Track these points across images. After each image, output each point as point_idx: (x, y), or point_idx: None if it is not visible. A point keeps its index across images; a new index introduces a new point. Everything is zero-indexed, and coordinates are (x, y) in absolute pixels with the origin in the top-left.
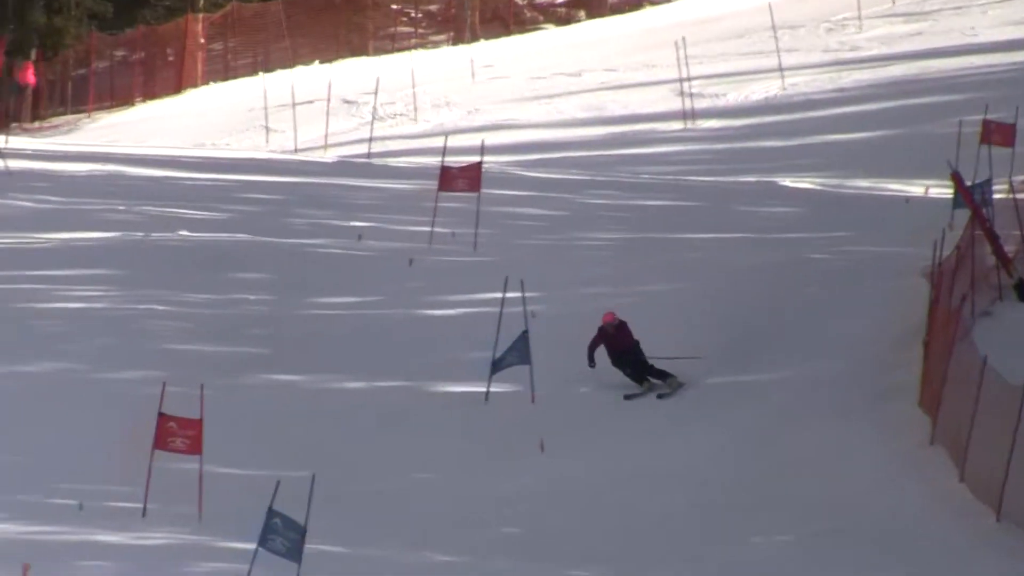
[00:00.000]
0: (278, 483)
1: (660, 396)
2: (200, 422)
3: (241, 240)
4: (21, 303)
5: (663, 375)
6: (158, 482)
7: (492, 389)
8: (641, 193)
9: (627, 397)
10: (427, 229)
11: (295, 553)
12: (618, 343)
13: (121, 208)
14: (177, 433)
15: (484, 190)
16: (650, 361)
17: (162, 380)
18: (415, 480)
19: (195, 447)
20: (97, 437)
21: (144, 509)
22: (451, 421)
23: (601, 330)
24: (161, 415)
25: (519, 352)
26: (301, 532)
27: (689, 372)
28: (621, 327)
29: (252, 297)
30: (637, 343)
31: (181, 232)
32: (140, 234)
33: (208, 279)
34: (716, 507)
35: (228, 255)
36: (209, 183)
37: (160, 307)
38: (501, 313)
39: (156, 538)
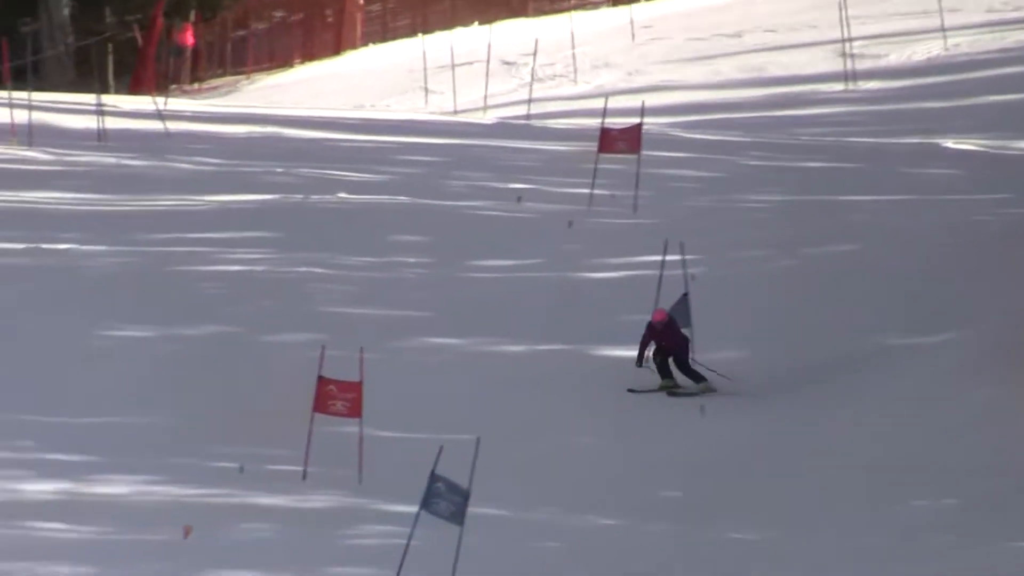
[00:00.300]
0: (441, 447)
1: (671, 394)
2: (360, 385)
3: (400, 203)
4: (180, 266)
5: (697, 377)
6: (318, 445)
7: (652, 353)
8: (801, 155)
9: (631, 391)
10: (586, 191)
11: (458, 516)
12: (666, 340)
13: (280, 170)
14: (337, 396)
15: (644, 152)
16: (691, 364)
17: (322, 343)
18: (575, 443)
19: (355, 410)
20: (257, 400)
21: (304, 472)
22: (611, 385)
23: (650, 327)
24: (321, 378)
25: (680, 315)
26: (465, 495)
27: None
28: (669, 325)
29: (412, 260)
30: (686, 341)
31: (340, 194)
32: (299, 196)
33: (367, 242)
34: (879, 470)
35: (387, 218)
36: (368, 145)
37: (319, 270)
38: (661, 276)
39: (316, 501)
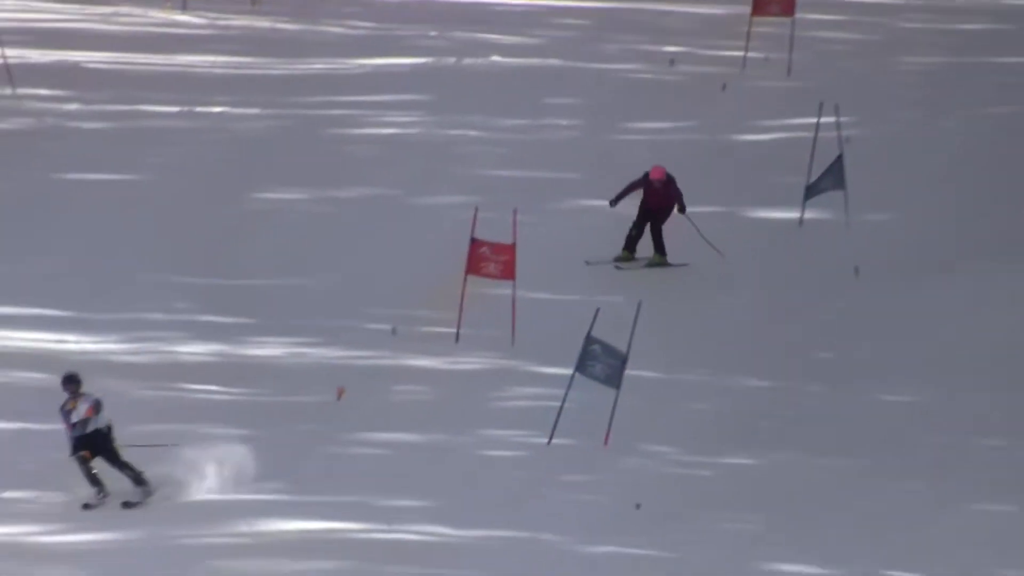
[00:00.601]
0: (598, 309)
1: (618, 267)
2: (513, 247)
3: (552, 65)
4: (334, 129)
5: (660, 248)
6: (471, 307)
7: (806, 215)
8: (958, 16)
9: (588, 263)
10: (740, 54)
11: (615, 379)
12: (658, 200)
13: (432, 34)
14: (490, 258)
15: (798, 14)
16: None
17: (475, 205)
18: (727, 303)
19: (508, 272)
20: (410, 263)
21: (457, 334)
22: (766, 246)
23: (646, 179)
24: (474, 240)
25: (834, 177)
26: (622, 359)
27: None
28: (668, 184)
29: (564, 122)
30: (682, 206)
31: (493, 57)
32: (452, 59)
33: (520, 104)
34: None
35: (540, 80)
36: (521, 8)
37: (472, 132)
38: (815, 138)
39: (469, 363)
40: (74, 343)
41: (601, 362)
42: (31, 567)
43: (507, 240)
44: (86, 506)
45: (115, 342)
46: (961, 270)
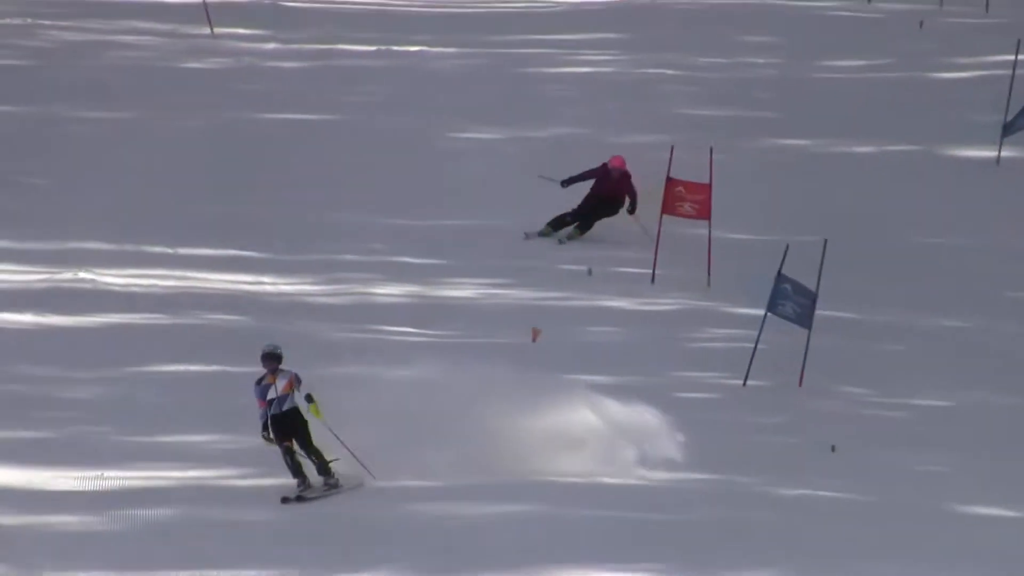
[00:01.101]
0: (787, 247)
1: (543, 234)
2: (709, 187)
3: (750, 3)
4: (528, 68)
5: (584, 228)
6: (666, 247)
7: (1004, 153)
8: None
9: (528, 235)
10: None
11: (805, 318)
12: (611, 189)
13: None
14: (685, 198)
15: None
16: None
17: (670, 144)
18: (919, 243)
19: (704, 211)
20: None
21: (653, 275)
22: (962, 185)
23: (604, 168)
24: (669, 179)
25: None
26: (812, 297)
27: None
28: (624, 177)
29: (760, 61)
30: (633, 205)
31: None
32: None
33: (716, 43)
34: None
35: (737, 18)
36: None
37: (668, 71)
38: (1013, 75)
39: (664, 304)
40: (270, 284)
41: (792, 301)
42: (225, 509)
43: (704, 179)
44: (284, 500)
45: (311, 284)
46: None
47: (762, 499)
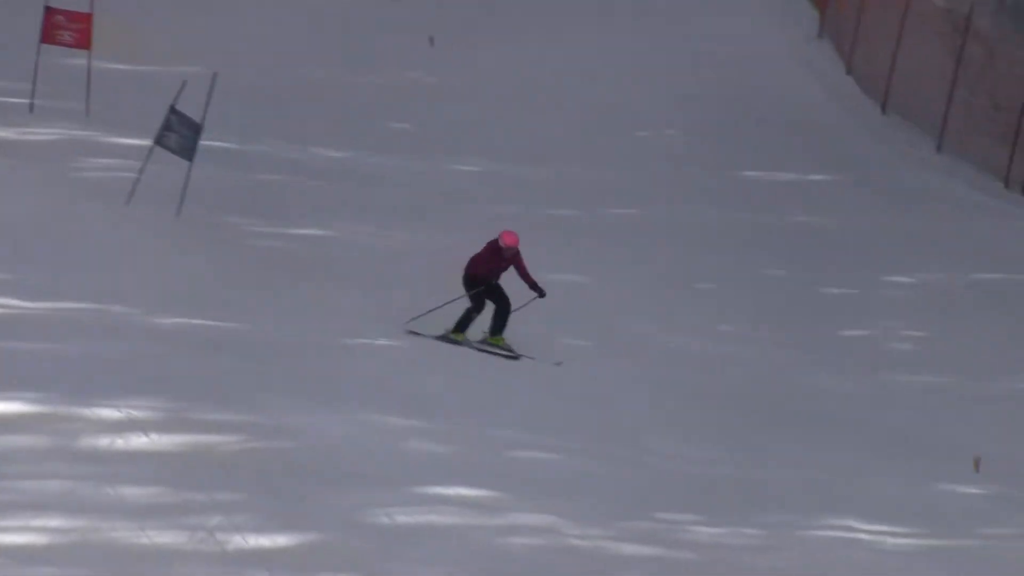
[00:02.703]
0: (184, 82)
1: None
2: (90, 16)
3: None
4: None
5: (496, 329)
6: (45, 77)
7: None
8: None
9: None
10: None
11: (188, 151)
12: (497, 270)
13: None
14: (65, 27)
15: None
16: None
17: None
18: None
19: (83, 41)
20: None
21: (31, 104)
22: None
23: (494, 248)
24: (48, 8)
25: None
26: (196, 129)
27: None
28: (516, 256)
29: None
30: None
31: None
32: None
33: None
34: None
35: None
36: None
37: None
38: None
39: (43, 134)
40: None
41: (177, 132)
42: None
43: (84, 8)
44: None
45: None
46: None
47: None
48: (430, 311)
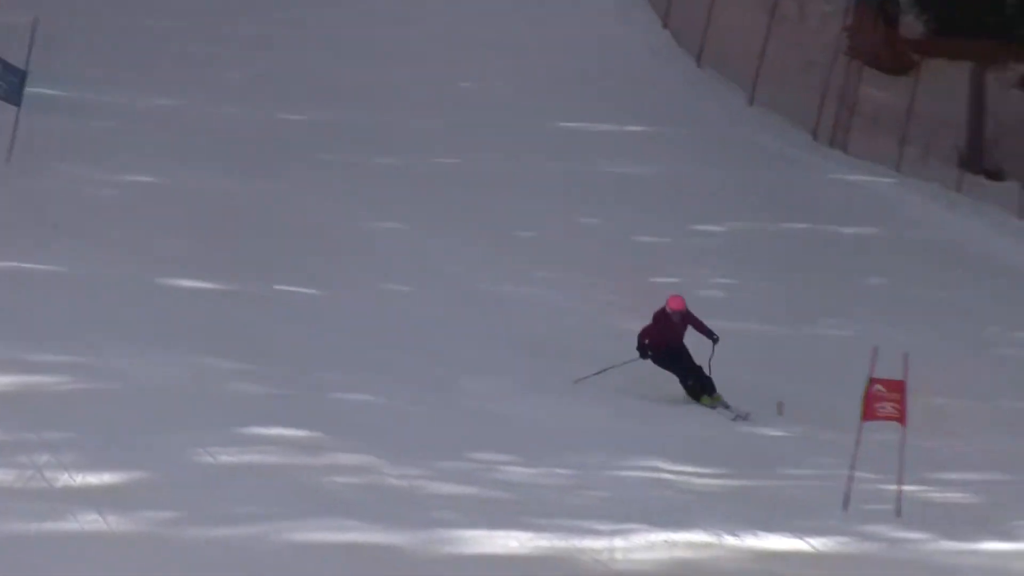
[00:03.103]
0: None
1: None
2: None
3: None
4: None
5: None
6: None
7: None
8: None
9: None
10: None
11: (14, 95)
12: (673, 336)
13: None
14: None
15: None
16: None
17: None
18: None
19: None
20: None
21: None
22: None
23: (664, 316)
24: None
25: None
26: (22, 76)
27: None
28: (687, 317)
29: None
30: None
31: None
32: None
33: None
34: None
35: None
36: None
37: None
38: None
39: None
40: None
41: (2, 80)
42: None
43: None
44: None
45: None
46: None
47: None
48: (603, 371)
